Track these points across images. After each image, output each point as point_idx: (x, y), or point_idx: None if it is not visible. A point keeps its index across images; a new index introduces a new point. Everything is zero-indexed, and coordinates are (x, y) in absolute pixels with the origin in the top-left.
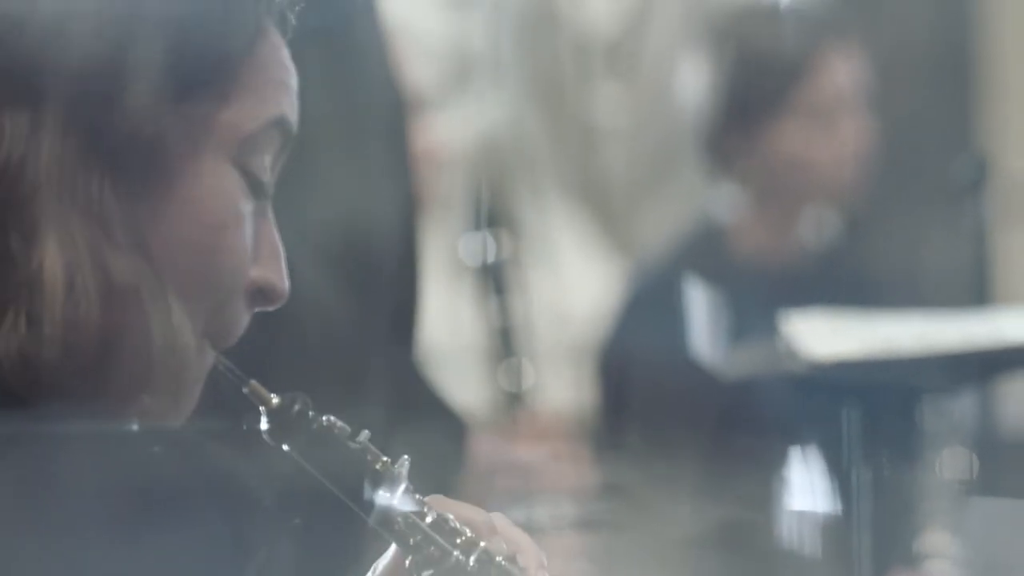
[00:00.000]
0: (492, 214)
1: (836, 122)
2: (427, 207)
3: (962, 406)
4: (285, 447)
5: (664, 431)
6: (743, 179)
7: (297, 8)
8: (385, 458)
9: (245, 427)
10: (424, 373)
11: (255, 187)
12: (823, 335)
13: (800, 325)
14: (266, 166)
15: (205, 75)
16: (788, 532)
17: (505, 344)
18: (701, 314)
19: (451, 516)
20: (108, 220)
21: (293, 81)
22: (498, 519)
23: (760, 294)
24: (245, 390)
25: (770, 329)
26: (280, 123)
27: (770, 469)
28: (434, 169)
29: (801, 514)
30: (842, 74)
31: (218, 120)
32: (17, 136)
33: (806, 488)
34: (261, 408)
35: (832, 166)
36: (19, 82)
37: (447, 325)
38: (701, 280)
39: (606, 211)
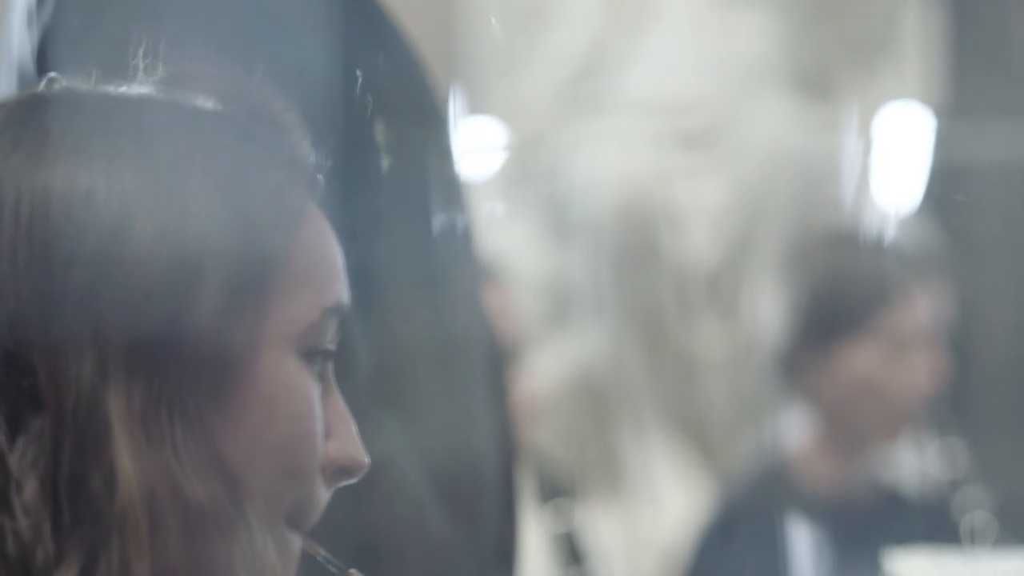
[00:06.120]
0: (568, 483)
1: (910, 353)
2: (524, 451)
3: None
4: None
5: None
6: (814, 398)
7: (322, 171)
8: None
9: None
10: None
11: (319, 367)
12: (927, 574)
13: (904, 563)
14: (327, 344)
15: (258, 274)
16: None
17: None
18: (798, 549)
19: None
20: (182, 447)
21: (340, 261)
22: None
23: (843, 527)
24: None
25: (857, 563)
26: (337, 310)
27: None
28: (533, 415)
29: None
30: (923, 308)
31: (276, 316)
32: (84, 380)
33: None
34: None
35: (902, 395)
36: (80, 326)
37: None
38: (774, 509)
39: (706, 444)
